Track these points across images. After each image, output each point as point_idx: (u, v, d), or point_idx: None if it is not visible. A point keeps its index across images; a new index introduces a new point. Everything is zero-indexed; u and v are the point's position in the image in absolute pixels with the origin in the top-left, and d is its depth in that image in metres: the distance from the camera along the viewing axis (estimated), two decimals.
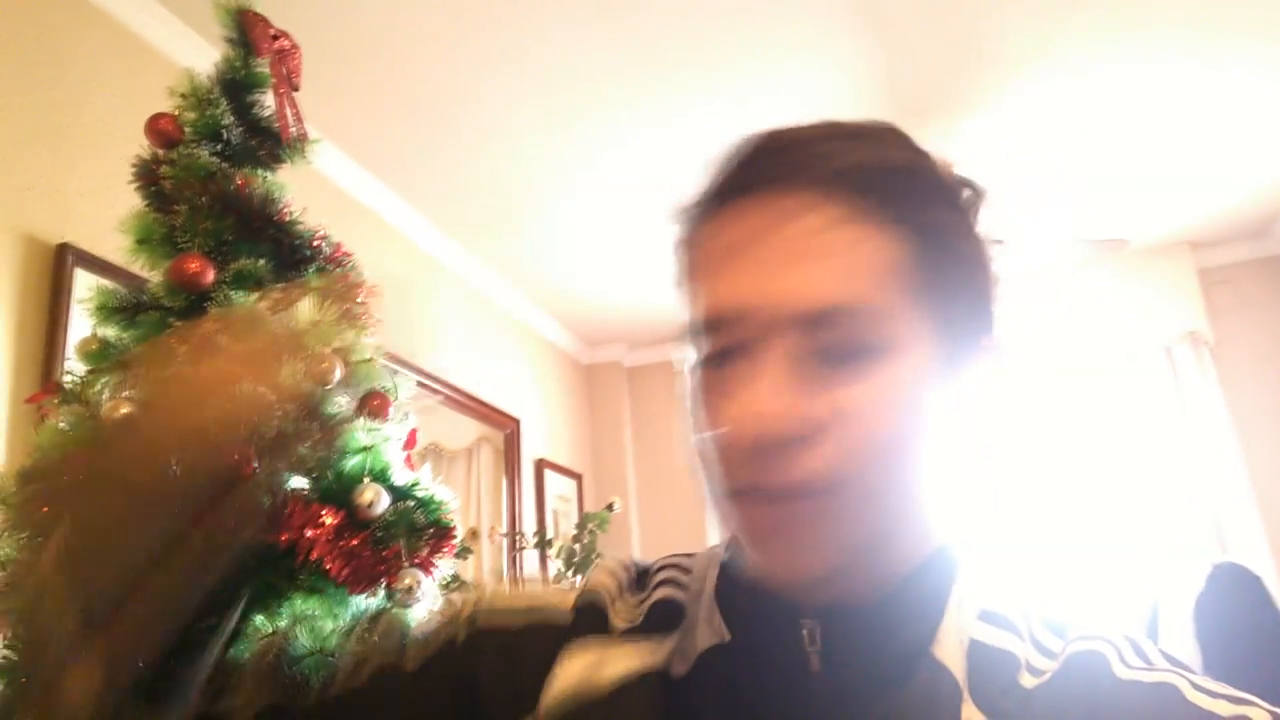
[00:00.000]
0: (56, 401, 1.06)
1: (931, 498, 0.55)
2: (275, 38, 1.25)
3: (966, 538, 0.59)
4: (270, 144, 1.27)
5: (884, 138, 0.55)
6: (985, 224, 0.57)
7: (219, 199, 1.14)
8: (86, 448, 0.97)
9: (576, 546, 3.70)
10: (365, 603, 1.03)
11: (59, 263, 1.87)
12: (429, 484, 1.09)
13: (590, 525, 3.71)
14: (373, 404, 1.15)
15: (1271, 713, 0.47)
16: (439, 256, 3.60)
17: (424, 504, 1.07)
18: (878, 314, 0.50)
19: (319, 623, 0.93)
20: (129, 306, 1.13)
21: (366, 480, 1.03)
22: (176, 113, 1.21)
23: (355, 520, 1.00)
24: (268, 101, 1.26)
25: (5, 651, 0.90)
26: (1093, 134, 3.15)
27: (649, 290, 4.19)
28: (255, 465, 0.91)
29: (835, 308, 0.50)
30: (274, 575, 0.98)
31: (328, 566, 0.96)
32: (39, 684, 0.81)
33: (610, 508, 3.80)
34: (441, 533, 1.07)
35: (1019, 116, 3.01)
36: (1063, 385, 4.14)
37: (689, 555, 0.69)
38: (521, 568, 3.76)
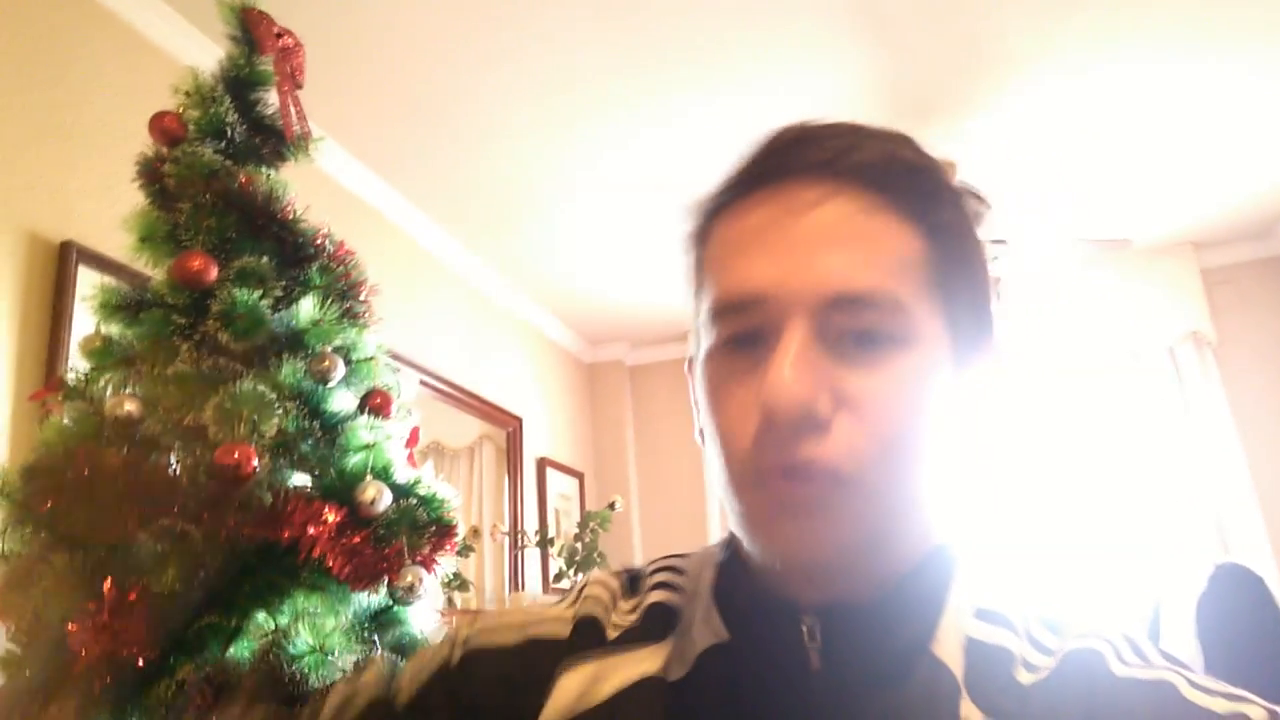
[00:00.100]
0: (60, 398, 1.07)
1: (935, 495, 0.55)
2: (279, 35, 1.25)
3: (965, 537, 0.59)
4: (273, 142, 1.27)
5: (900, 140, 0.56)
6: (986, 230, 0.58)
7: (222, 197, 1.14)
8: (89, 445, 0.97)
9: (578, 545, 3.71)
10: (367, 600, 1.03)
11: (62, 260, 1.87)
12: (431, 482, 1.09)
13: (592, 524, 3.72)
14: (375, 402, 1.16)
15: (1268, 709, 0.47)
16: (441, 255, 3.61)
17: (426, 502, 1.07)
18: (898, 305, 0.51)
19: (320, 620, 0.94)
20: (132, 304, 1.14)
21: (369, 478, 1.03)
22: (180, 110, 1.21)
23: (357, 518, 1.01)
24: (271, 99, 1.26)
25: (9, 645, 0.90)
26: (1095, 134, 3.15)
27: (651, 289, 4.19)
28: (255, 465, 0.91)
29: (859, 293, 0.50)
30: (276, 572, 0.98)
31: (330, 564, 0.96)
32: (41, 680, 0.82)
33: (612, 506, 3.81)
34: (443, 530, 1.07)
35: (1021, 116, 3.01)
36: (1065, 385, 4.14)
37: (682, 556, 0.68)
38: (523, 566, 3.77)
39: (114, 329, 1.14)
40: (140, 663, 0.89)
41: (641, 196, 3.38)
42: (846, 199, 0.52)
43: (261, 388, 1.01)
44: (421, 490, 1.08)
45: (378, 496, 1.01)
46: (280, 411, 1.01)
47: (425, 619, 1.07)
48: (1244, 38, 2.67)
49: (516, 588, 3.70)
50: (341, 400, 1.11)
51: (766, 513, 0.51)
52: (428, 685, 0.66)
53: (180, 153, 1.16)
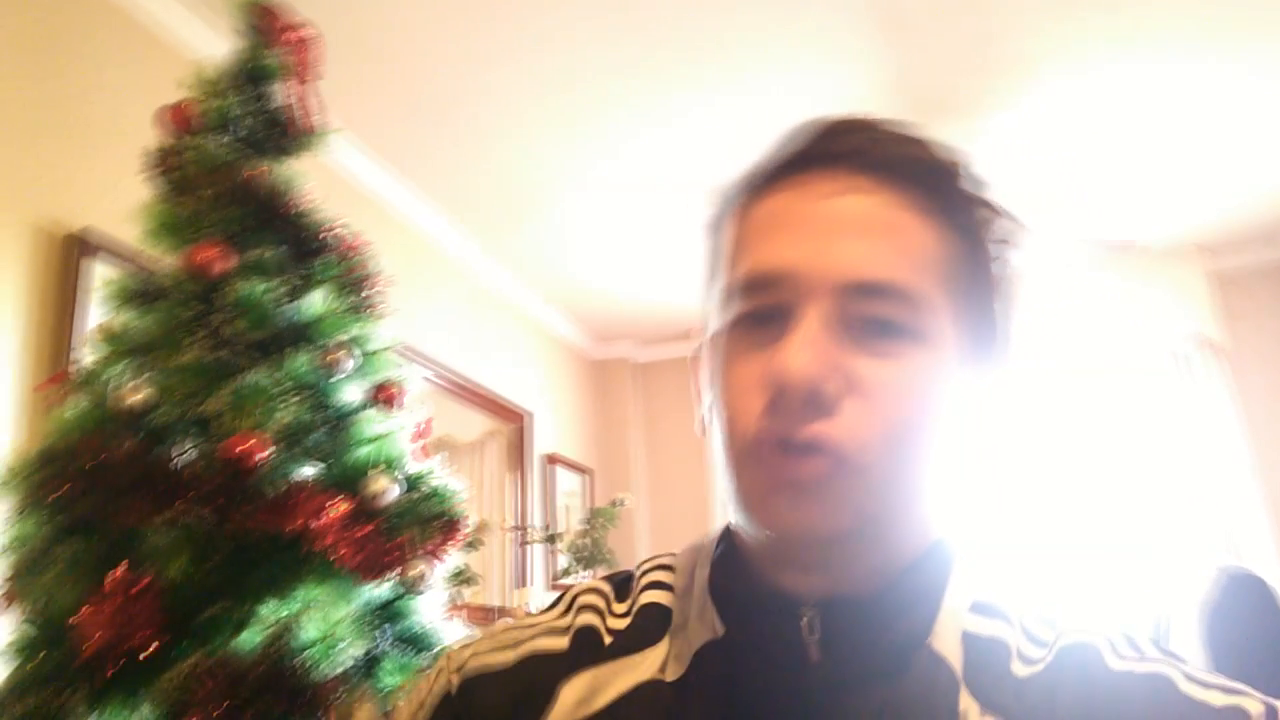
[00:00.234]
0: (69, 387, 1.07)
1: (936, 490, 0.55)
2: (293, 28, 1.25)
3: (964, 533, 0.59)
4: (284, 134, 1.28)
5: (935, 143, 0.56)
6: (1009, 241, 0.58)
7: (234, 188, 1.15)
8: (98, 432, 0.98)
9: (584, 541, 3.71)
10: (375, 591, 1.03)
11: (71, 251, 1.88)
12: (440, 474, 1.10)
13: (598, 520, 3.72)
14: (384, 394, 1.16)
15: (1266, 702, 0.47)
16: (449, 249, 3.61)
17: (434, 494, 1.08)
18: (918, 301, 0.51)
19: (328, 610, 0.94)
20: (144, 294, 1.14)
21: (377, 469, 1.04)
22: (192, 102, 1.22)
23: (366, 509, 1.01)
24: (285, 91, 1.26)
25: (24, 627, 0.91)
26: (1103, 135, 3.13)
27: (659, 287, 4.18)
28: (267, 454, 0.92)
29: (880, 283, 0.50)
30: (284, 562, 0.99)
31: (338, 554, 0.96)
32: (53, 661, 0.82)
33: (619, 503, 3.81)
34: (451, 523, 1.07)
35: (1030, 117, 3.00)
36: (1071, 386, 4.12)
37: (671, 554, 0.68)
38: (529, 562, 3.77)
39: (125, 318, 1.14)
40: (150, 649, 0.90)
41: (650, 193, 3.38)
42: (877, 192, 0.52)
43: (271, 379, 1.01)
44: (430, 482, 1.08)
45: (386, 488, 1.02)
46: (291, 402, 1.01)
47: (432, 611, 1.07)
48: (1255, 40, 2.65)
49: (522, 583, 3.71)
50: (351, 392, 1.11)
51: (765, 487, 0.51)
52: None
53: (192, 144, 1.17)
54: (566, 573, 3.80)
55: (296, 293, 1.13)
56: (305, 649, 0.90)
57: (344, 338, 1.14)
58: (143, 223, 1.16)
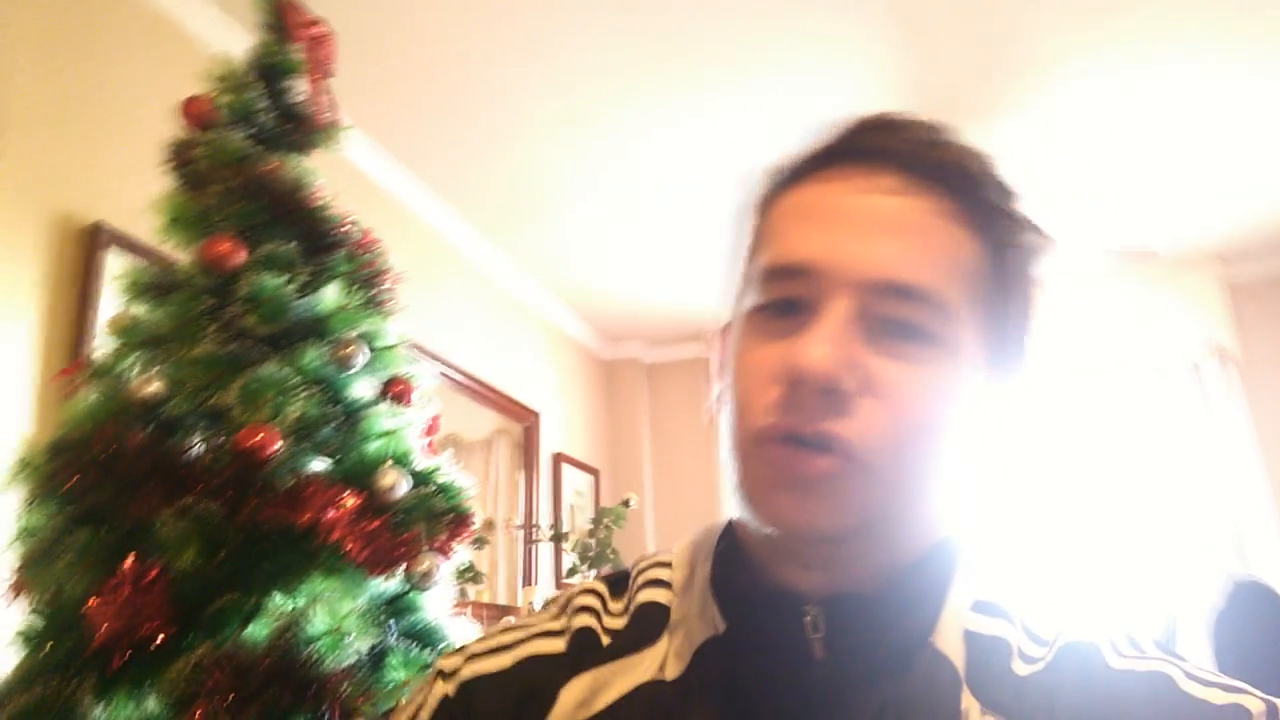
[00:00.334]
0: (86, 377, 1.08)
1: (944, 494, 0.55)
2: (310, 24, 1.26)
3: (969, 534, 0.59)
4: (302, 129, 1.28)
5: (979, 153, 0.56)
6: (1034, 250, 0.57)
7: (250, 182, 1.15)
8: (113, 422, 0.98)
9: (591, 541, 3.71)
10: (382, 585, 1.04)
11: (90, 242, 1.89)
12: (449, 470, 1.10)
13: (606, 520, 3.72)
14: (395, 389, 1.17)
15: (1266, 700, 0.47)
16: (462, 247, 3.62)
17: (444, 490, 1.08)
18: (943, 306, 0.51)
19: (337, 603, 0.94)
20: (160, 285, 1.15)
21: (388, 464, 1.04)
22: (208, 96, 1.23)
23: (376, 503, 1.01)
24: (300, 87, 1.27)
25: (33, 616, 0.91)
26: (1120, 141, 3.12)
27: (670, 288, 4.18)
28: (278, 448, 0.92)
29: (908, 285, 0.50)
30: (294, 554, 0.99)
31: (347, 548, 0.97)
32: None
33: (626, 504, 3.81)
34: (460, 519, 1.08)
35: (1047, 121, 2.99)
36: (1083, 392, 4.11)
37: (667, 551, 0.67)
38: (536, 561, 3.78)
39: (141, 309, 1.15)
40: (158, 640, 0.90)
41: (664, 195, 3.38)
42: (915, 194, 0.52)
43: (285, 372, 1.02)
44: (439, 478, 1.09)
45: (396, 483, 1.02)
46: (302, 396, 1.02)
47: (440, 606, 1.07)
48: (1271, 47, 2.64)
49: (529, 582, 3.71)
50: (362, 387, 1.11)
51: (770, 481, 0.51)
52: None
53: (210, 137, 1.17)
54: (573, 572, 3.81)
55: (309, 288, 1.14)
56: (313, 642, 0.91)
57: (355, 333, 1.14)
58: (158, 216, 1.17)
